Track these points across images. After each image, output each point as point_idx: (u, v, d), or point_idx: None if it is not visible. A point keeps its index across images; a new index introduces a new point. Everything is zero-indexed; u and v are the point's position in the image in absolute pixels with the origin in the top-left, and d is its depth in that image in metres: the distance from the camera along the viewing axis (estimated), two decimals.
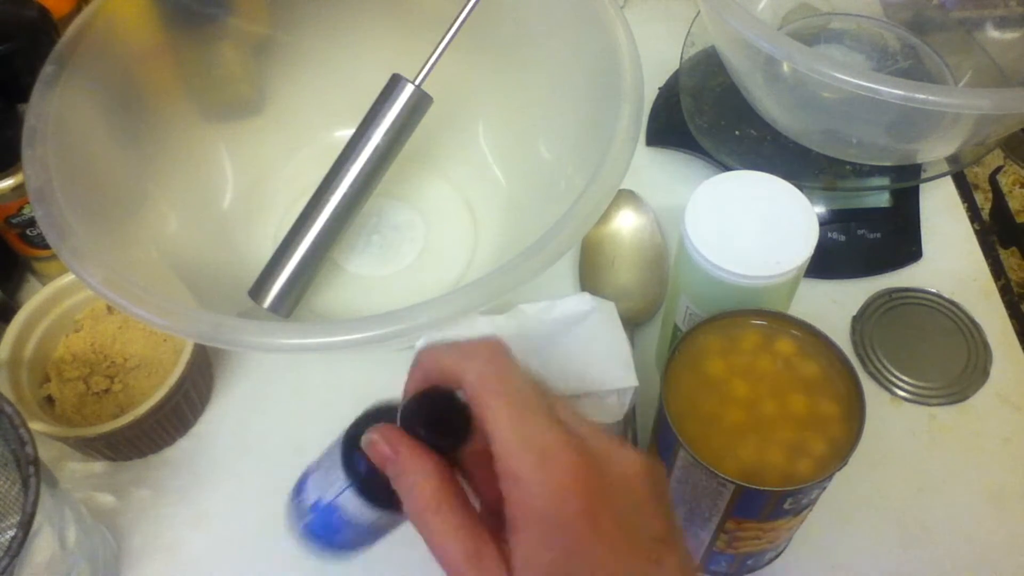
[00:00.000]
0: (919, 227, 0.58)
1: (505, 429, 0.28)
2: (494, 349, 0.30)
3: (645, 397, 0.47)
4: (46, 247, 0.52)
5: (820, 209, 0.57)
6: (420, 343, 0.42)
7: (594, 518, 0.27)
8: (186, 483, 0.51)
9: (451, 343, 0.30)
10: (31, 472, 0.37)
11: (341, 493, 0.32)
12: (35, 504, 0.36)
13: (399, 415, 0.30)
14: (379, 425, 0.31)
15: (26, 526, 0.35)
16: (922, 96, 0.43)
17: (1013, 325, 0.56)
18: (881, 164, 0.56)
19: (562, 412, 0.30)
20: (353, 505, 0.32)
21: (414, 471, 0.29)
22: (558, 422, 0.29)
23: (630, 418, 0.47)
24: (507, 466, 0.28)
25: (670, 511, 0.30)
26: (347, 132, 0.53)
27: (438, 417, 0.29)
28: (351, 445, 0.32)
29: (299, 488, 0.35)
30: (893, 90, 0.43)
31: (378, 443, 0.30)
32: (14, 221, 0.53)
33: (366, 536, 0.34)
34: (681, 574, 0.29)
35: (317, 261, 0.53)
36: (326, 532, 0.33)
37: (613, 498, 0.28)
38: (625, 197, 0.58)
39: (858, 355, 0.54)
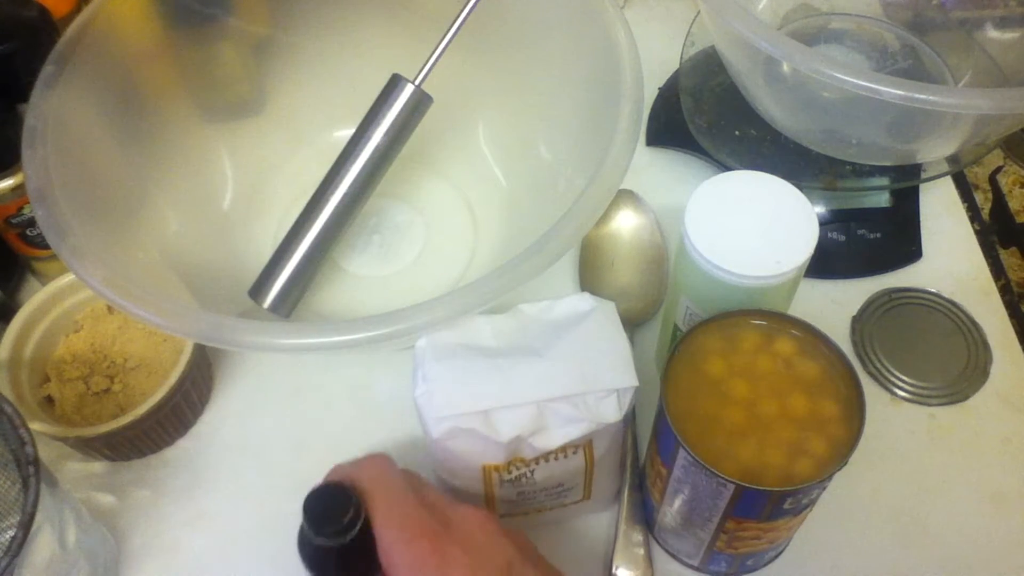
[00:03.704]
0: (919, 227, 0.58)
1: (378, 513, 0.36)
2: (378, 463, 0.39)
3: (645, 397, 0.47)
4: (46, 247, 0.52)
5: (820, 209, 0.57)
6: (420, 343, 0.42)
7: (443, 554, 0.36)
8: (186, 483, 0.51)
9: (352, 461, 0.39)
10: (31, 472, 0.37)
11: None
12: (35, 504, 0.36)
13: (303, 505, 0.36)
14: None
15: (26, 526, 0.35)
16: (922, 96, 0.43)
17: (1013, 325, 0.56)
18: (881, 164, 0.56)
19: (426, 492, 0.39)
20: None
21: None
22: (418, 501, 0.37)
23: (630, 418, 0.47)
24: (380, 540, 0.36)
25: (514, 543, 0.38)
26: (347, 132, 0.53)
27: (330, 508, 0.35)
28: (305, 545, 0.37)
29: None
30: (893, 90, 0.43)
31: None
32: (14, 221, 0.53)
33: None
34: None
35: (317, 261, 0.53)
36: None
37: (457, 537, 0.36)
38: (625, 197, 0.58)
39: (858, 355, 0.54)
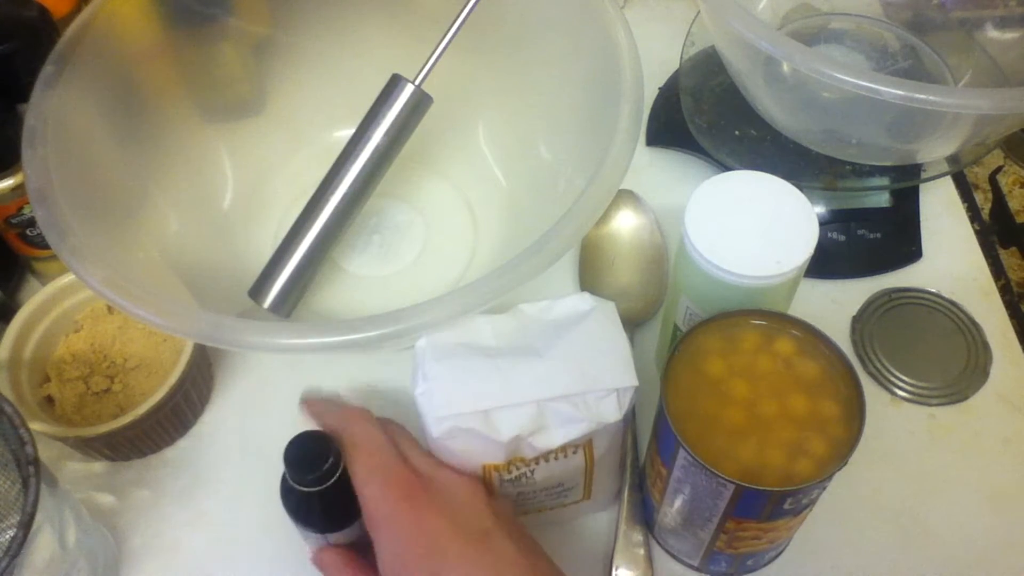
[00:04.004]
0: (919, 227, 0.58)
1: (360, 468, 0.38)
2: (361, 416, 0.41)
3: (645, 397, 0.47)
4: (46, 247, 0.51)
5: (820, 209, 0.57)
6: (420, 343, 0.42)
7: (419, 514, 0.37)
8: (186, 483, 0.51)
9: (332, 402, 0.42)
10: (31, 472, 0.37)
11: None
12: (35, 504, 0.36)
13: (283, 453, 0.38)
14: (320, 552, 0.41)
15: (26, 526, 0.35)
16: (922, 96, 0.43)
17: (1013, 325, 0.56)
18: (881, 164, 0.56)
19: (411, 453, 0.40)
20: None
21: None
22: (401, 458, 0.39)
23: (630, 418, 0.47)
24: (362, 495, 0.38)
25: (493, 512, 0.39)
26: (347, 132, 0.53)
27: (310, 456, 0.38)
28: (288, 493, 0.40)
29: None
30: (893, 90, 0.43)
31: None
32: (14, 221, 0.53)
33: None
34: (514, 550, 0.37)
35: (317, 261, 0.53)
36: None
37: (438, 500, 0.38)
38: (625, 197, 0.58)
39: (858, 355, 0.54)
